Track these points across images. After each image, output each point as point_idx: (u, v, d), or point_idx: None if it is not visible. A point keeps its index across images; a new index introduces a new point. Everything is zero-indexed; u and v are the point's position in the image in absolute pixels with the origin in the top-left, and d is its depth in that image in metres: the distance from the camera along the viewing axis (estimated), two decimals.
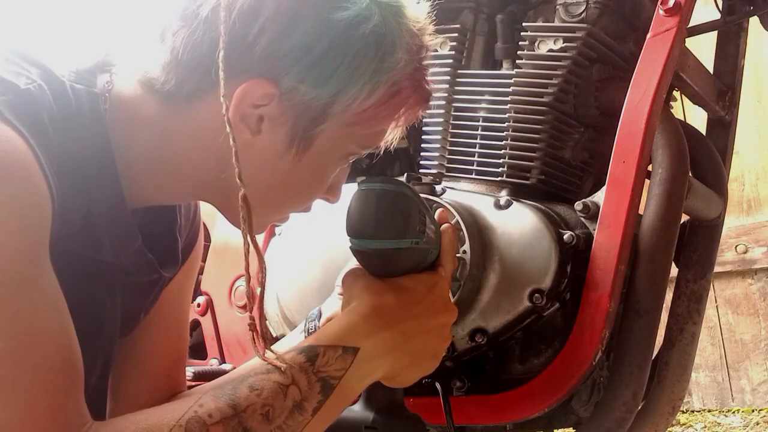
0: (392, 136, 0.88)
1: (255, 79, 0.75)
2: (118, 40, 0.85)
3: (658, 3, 1.14)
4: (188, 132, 0.80)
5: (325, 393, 0.73)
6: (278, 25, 0.75)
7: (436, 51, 1.30)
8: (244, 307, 1.37)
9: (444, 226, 0.91)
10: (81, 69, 0.80)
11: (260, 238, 1.37)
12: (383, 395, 0.87)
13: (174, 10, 0.77)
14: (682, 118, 1.56)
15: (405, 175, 1.22)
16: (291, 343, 0.98)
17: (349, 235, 0.83)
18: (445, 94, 1.28)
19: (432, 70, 1.27)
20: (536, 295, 1.09)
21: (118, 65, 0.82)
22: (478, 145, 1.25)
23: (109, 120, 0.78)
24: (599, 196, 1.13)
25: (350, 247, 0.84)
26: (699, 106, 1.40)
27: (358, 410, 0.88)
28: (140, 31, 0.81)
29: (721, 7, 1.36)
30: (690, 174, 1.20)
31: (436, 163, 1.28)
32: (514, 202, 1.16)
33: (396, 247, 0.81)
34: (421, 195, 1.17)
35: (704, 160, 1.33)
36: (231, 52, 0.74)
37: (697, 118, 2.06)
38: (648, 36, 1.14)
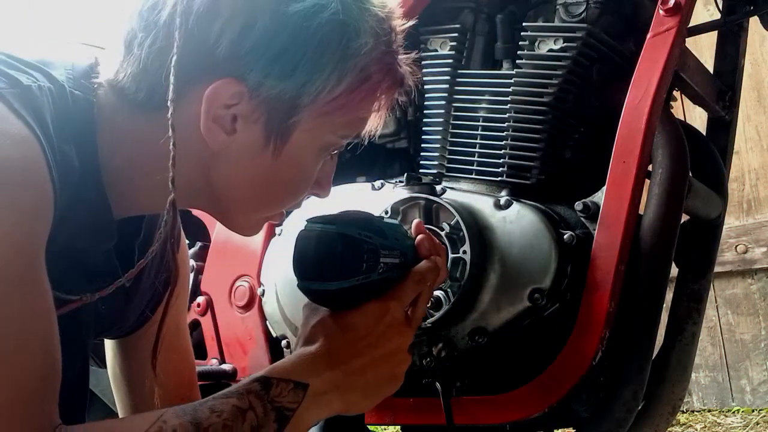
0: (374, 124, 0.88)
1: (222, 80, 0.76)
2: (96, 49, 0.86)
3: (658, 3, 1.13)
4: (164, 140, 0.79)
5: (281, 423, 0.75)
6: (237, 25, 0.75)
7: (436, 51, 1.30)
8: (244, 307, 1.37)
9: (419, 238, 0.92)
10: (76, 74, 0.80)
11: (260, 238, 1.37)
12: (339, 418, 0.87)
13: (138, 19, 0.77)
14: (682, 118, 1.56)
15: (405, 175, 1.22)
16: None
17: (295, 275, 0.84)
18: (445, 94, 1.28)
19: (432, 69, 1.29)
20: (536, 295, 1.09)
21: (100, 74, 0.82)
22: (478, 145, 1.25)
23: (98, 129, 0.79)
24: (599, 196, 1.13)
25: (297, 286, 0.85)
26: (699, 106, 1.40)
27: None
28: (110, 41, 0.81)
29: (721, 7, 1.36)
30: (690, 174, 1.20)
31: (436, 163, 1.28)
32: (514, 202, 1.16)
33: (338, 288, 0.82)
34: (421, 195, 1.17)
35: (704, 160, 1.33)
36: (194, 56, 0.75)
37: (697, 118, 2.07)
38: (648, 36, 1.14)
